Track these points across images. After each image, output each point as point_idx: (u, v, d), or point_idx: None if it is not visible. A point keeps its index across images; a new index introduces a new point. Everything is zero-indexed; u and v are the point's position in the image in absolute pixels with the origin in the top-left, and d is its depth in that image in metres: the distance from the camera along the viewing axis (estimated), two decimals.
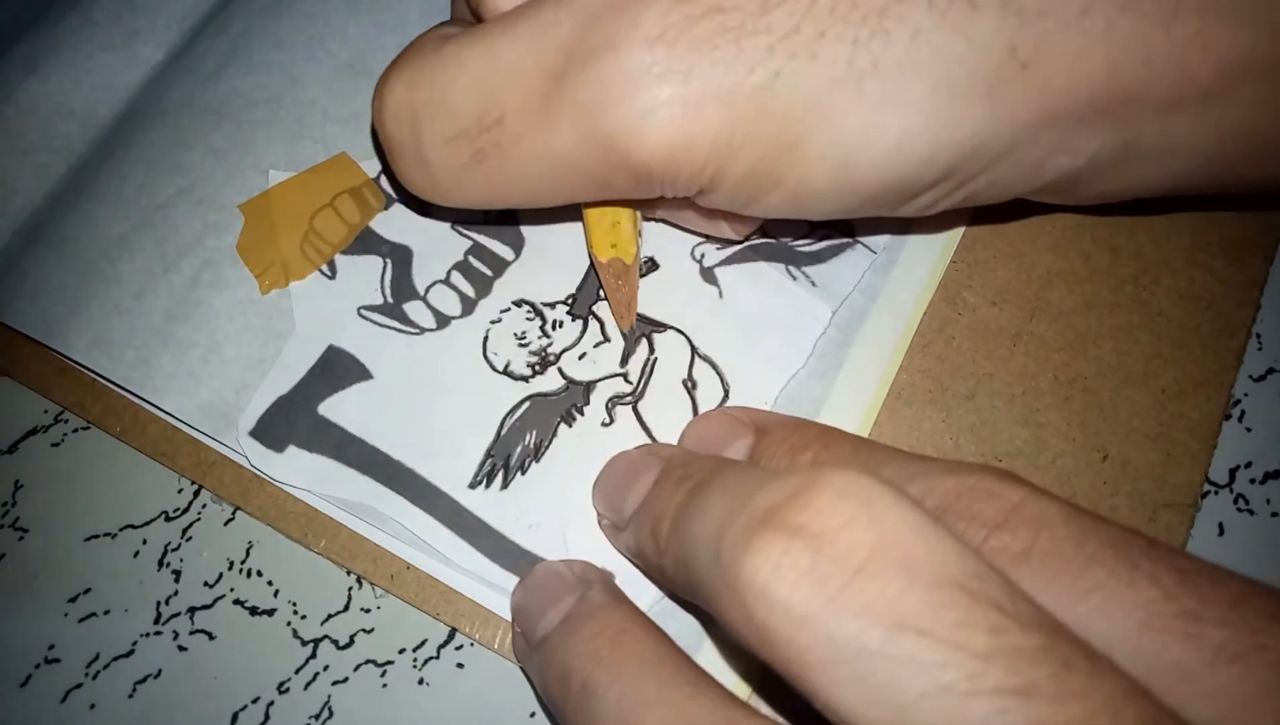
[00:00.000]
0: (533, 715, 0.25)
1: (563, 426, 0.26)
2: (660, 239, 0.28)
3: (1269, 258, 0.28)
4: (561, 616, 0.21)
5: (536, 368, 0.27)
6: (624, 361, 0.27)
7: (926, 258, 0.27)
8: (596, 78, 0.19)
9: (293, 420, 0.26)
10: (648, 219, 0.27)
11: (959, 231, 0.28)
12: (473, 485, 0.26)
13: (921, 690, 0.13)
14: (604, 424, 0.26)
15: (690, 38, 0.18)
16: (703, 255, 0.28)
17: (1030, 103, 0.19)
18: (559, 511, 0.25)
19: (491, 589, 0.25)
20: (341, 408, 0.26)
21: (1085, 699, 0.13)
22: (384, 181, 0.29)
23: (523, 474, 0.26)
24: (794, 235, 0.28)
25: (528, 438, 0.26)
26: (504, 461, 0.26)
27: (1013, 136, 0.19)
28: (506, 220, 0.28)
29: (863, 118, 0.19)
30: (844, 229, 0.28)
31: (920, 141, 0.19)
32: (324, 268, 0.28)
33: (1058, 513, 0.17)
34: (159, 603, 0.27)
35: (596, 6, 0.19)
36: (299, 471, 0.26)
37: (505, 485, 0.26)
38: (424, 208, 0.28)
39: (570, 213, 0.27)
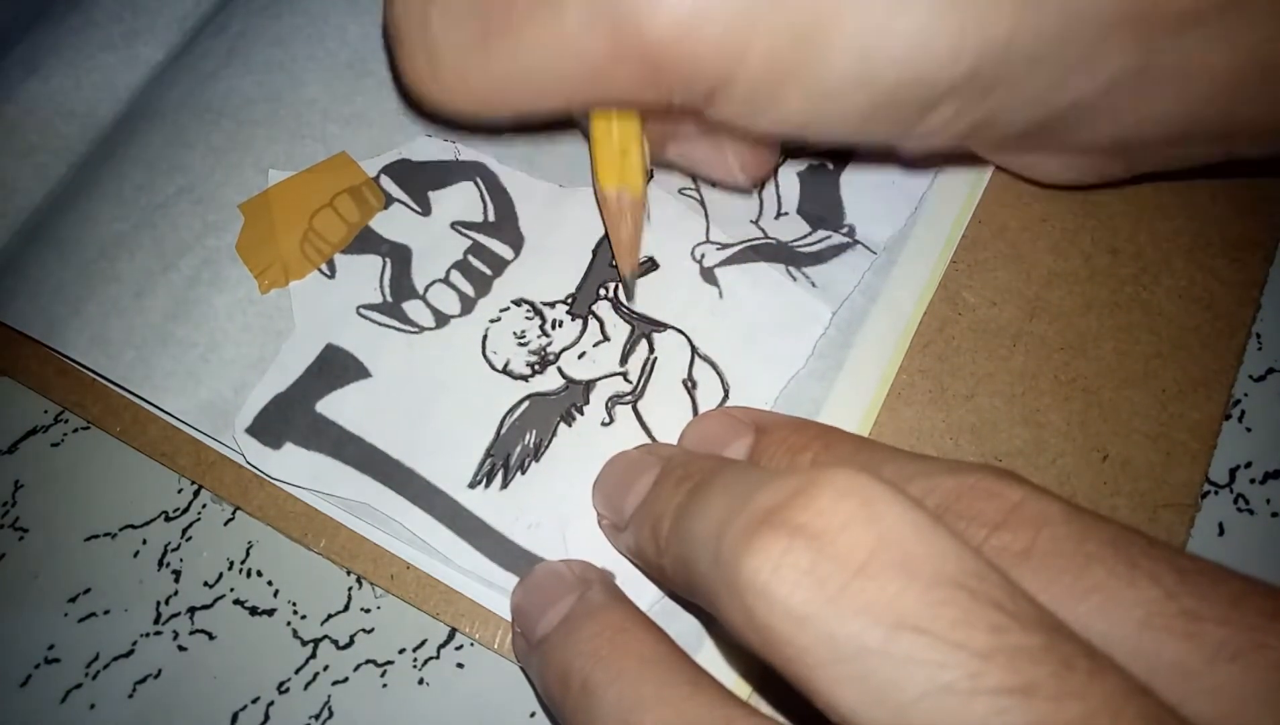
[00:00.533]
0: (533, 715, 0.25)
1: (562, 426, 0.26)
2: (660, 239, 0.28)
3: (1269, 258, 0.28)
4: (561, 616, 0.21)
5: (536, 367, 0.27)
6: (624, 360, 0.27)
7: (927, 258, 0.28)
8: None
9: (290, 418, 0.26)
10: (657, 163, 0.27)
11: (959, 232, 0.28)
12: (472, 485, 0.26)
13: (922, 689, 0.13)
14: (604, 423, 0.26)
15: None
16: (703, 255, 0.28)
17: (1054, 6, 0.19)
18: (559, 511, 0.25)
19: (491, 589, 0.25)
20: (340, 406, 0.26)
21: (1085, 697, 0.13)
22: (384, 180, 0.29)
23: (522, 473, 0.26)
24: (794, 235, 0.28)
25: (527, 437, 0.26)
26: (503, 461, 0.26)
27: (1036, 44, 0.19)
28: (506, 218, 0.28)
29: (884, 5, 0.18)
30: (840, 227, 0.28)
31: (943, 35, 0.19)
32: (323, 267, 0.28)
33: (1058, 512, 0.17)
34: (159, 603, 0.27)
35: None
36: (296, 469, 0.26)
37: (505, 485, 0.26)
38: (425, 207, 0.29)
39: (570, 211, 0.27)
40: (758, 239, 0.28)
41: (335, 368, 0.27)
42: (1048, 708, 0.13)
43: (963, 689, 0.13)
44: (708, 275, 0.27)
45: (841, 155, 0.29)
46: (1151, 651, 0.15)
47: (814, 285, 0.27)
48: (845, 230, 0.28)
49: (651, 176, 0.25)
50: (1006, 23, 0.19)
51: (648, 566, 0.21)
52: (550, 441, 0.26)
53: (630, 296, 0.27)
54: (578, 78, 0.20)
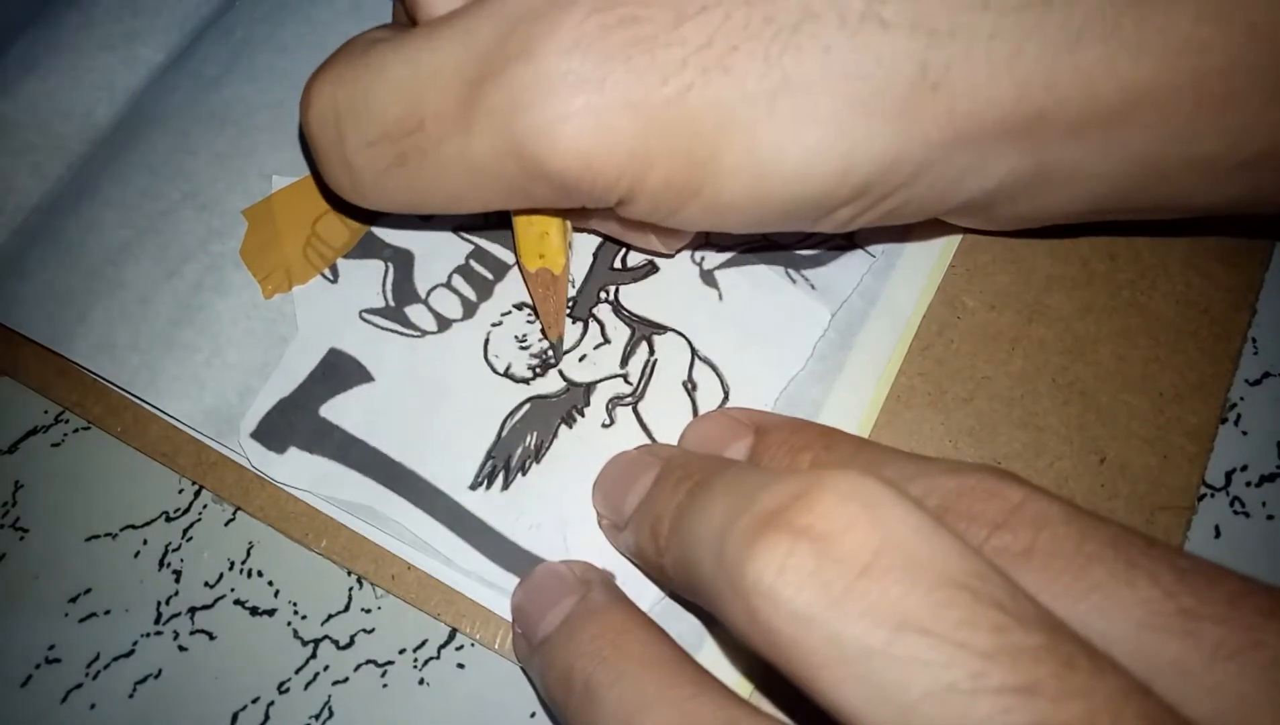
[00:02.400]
0: (533, 715, 0.25)
1: (563, 428, 0.26)
2: None
3: (1264, 263, 0.28)
4: (562, 617, 0.21)
5: (537, 370, 0.27)
6: (624, 363, 0.27)
7: (925, 262, 0.28)
8: (511, 84, 0.19)
9: (294, 422, 0.26)
10: (578, 230, 0.27)
11: (958, 236, 0.28)
12: (473, 486, 0.26)
13: (925, 689, 0.13)
14: (604, 425, 0.26)
15: (604, 47, 0.18)
16: (702, 258, 0.28)
17: (941, 122, 0.19)
18: (559, 512, 0.25)
19: (492, 589, 0.25)
20: (343, 410, 0.27)
21: (1087, 697, 0.13)
22: None
23: (523, 475, 0.26)
24: (792, 240, 0.28)
25: (528, 439, 0.26)
26: (504, 463, 0.26)
27: (925, 155, 0.20)
28: (500, 223, 0.29)
29: (775, 132, 0.19)
30: (842, 236, 0.28)
31: (832, 157, 0.19)
32: (326, 272, 0.28)
33: (1058, 512, 0.17)
34: (159, 603, 0.27)
35: (517, 14, 0.19)
36: (300, 473, 0.26)
37: (506, 486, 0.26)
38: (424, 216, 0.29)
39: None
40: (757, 241, 0.28)
41: (338, 372, 0.27)
42: (1050, 707, 0.13)
43: (966, 689, 0.13)
44: (707, 277, 0.27)
45: None
46: (1151, 650, 0.16)
47: (813, 287, 0.27)
48: (844, 236, 0.28)
49: (572, 246, 0.26)
50: (894, 142, 0.19)
51: (648, 566, 0.21)
52: (551, 443, 0.26)
53: (558, 359, 0.27)
54: (492, 194, 0.21)
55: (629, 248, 0.28)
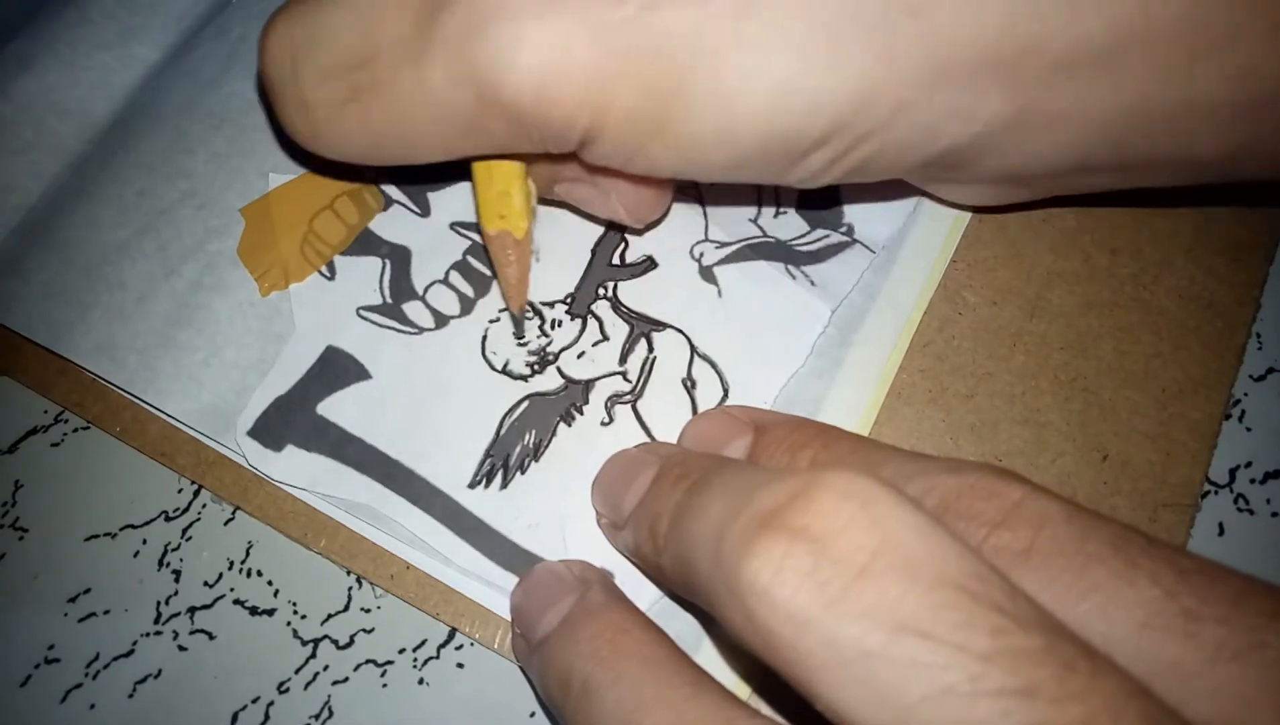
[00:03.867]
0: (533, 715, 0.25)
1: (562, 426, 0.26)
2: (659, 238, 0.28)
3: (1269, 257, 0.28)
4: (561, 617, 0.21)
5: (535, 367, 0.27)
6: (623, 360, 0.27)
7: (926, 257, 0.27)
8: (465, 8, 0.19)
9: (291, 420, 0.26)
10: (544, 201, 0.27)
11: (959, 230, 0.28)
12: (472, 485, 0.26)
13: (924, 692, 0.13)
14: (603, 423, 0.26)
15: None
16: (701, 254, 0.28)
17: (919, 53, 0.19)
18: (558, 511, 0.25)
19: (491, 589, 0.25)
20: (340, 407, 0.26)
21: (1087, 699, 0.13)
22: (383, 182, 0.29)
23: (522, 473, 0.26)
24: (792, 233, 0.28)
25: (527, 437, 0.26)
26: (503, 461, 0.26)
27: (902, 91, 0.19)
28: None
29: (741, 59, 0.18)
30: (839, 226, 0.28)
31: (803, 87, 0.19)
32: (323, 269, 0.28)
33: (1058, 511, 0.17)
34: (159, 603, 0.27)
35: None
36: (297, 471, 0.26)
37: (505, 485, 0.26)
38: (424, 209, 0.29)
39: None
40: (756, 237, 0.28)
41: (336, 369, 0.27)
42: (1049, 709, 0.12)
43: (964, 691, 0.13)
44: (706, 274, 0.27)
45: None
46: (1152, 651, 0.15)
47: (813, 283, 0.27)
48: (844, 229, 0.28)
49: (536, 214, 0.26)
50: (868, 73, 0.19)
51: (646, 565, 0.21)
52: (550, 441, 0.26)
53: (520, 334, 0.27)
54: (448, 132, 0.21)
55: (615, 228, 0.28)
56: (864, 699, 0.13)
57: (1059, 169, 0.22)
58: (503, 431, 0.26)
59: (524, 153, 0.22)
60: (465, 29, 0.19)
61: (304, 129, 0.22)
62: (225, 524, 0.28)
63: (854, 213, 0.28)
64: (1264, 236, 0.28)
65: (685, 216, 0.28)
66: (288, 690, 0.26)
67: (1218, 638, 0.15)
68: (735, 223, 0.28)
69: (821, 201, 0.28)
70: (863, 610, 0.14)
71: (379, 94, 0.20)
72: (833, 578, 0.14)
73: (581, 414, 0.26)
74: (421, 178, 0.29)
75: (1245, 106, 0.20)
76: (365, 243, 0.28)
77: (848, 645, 0.14)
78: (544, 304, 0.27)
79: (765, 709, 0.23)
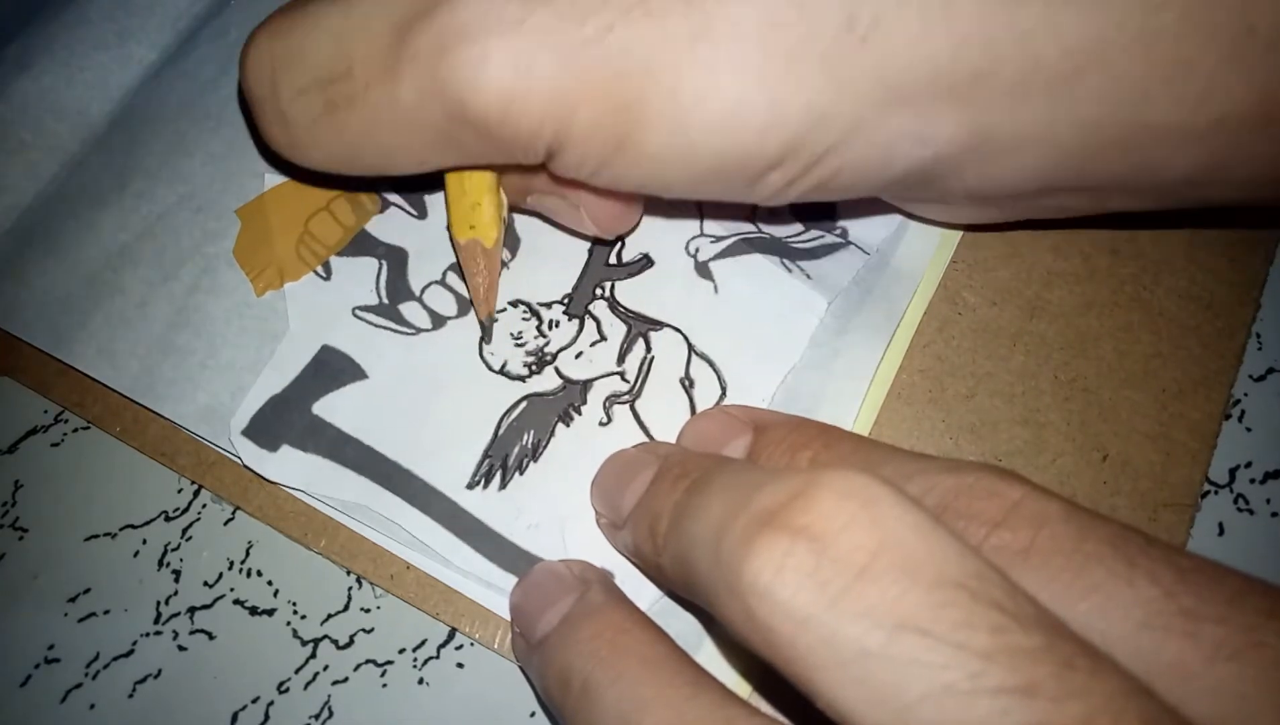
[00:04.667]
0: (533, 715, 0.25)
1: (560, 426, 0.26)
2: (654, 235, 0.28)
3: (1269, 257, 0.27)
4: (560, 617, 0.21)
5: (533, 367, 0.27)
6: (620, 360, 0.27)
7: (922, 257, 0.27)
8: (435, 28, 0.19)
9: (287, 419, 0.26)
10: (517, 210, 0.27)
11: (957, 232, 0.28)
12: (470, 486, 0.26)
13: (924, 690, 0.13)
14: (601, 423, 0.26)
15: None
16: (697, 250, 0.28)
17: (870, 78, 0.19)
18: (558, 511, 0.25)
19: (490, 589, 0.25)
20: (336, 407, 0.26)
21: (1087, 697, 0.13)
22: (379, 184, 0.29)
23: (520, 474, 0.26)
24: (788, 232, 0.28)
25: (525, 438, 0.26)
26: (501, 462, 0.26)
27: (855, 113, 0.19)
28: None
29: (697, 78, 0.19)
30: (833, 229, 0.28)
31: (756, 108, 0.19)
32: (319, 269, 0.28)
33: (1057, 510, 0.17)
34: (159, 603, 0.27)
35: None
36: (293, 471, 0.26)
37: (503, 485, 0.26)
38: (421, 211, 0.29)
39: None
40: (752, 233, 0.28)
41: (331, 369, 0.27)
42: (1049, 708, 0.12)
43: (964, 689, 0.13)
44: (702, 269, 0.27)
45: None
46: (1151, 651, 0.15)
47: (809, 277, 0.27)
48: (838, 231, 0.28)
49: (506, 222, 0.26)
50: (820, 96, 0.19)
51: (646, 565, 0.21)
52: (548, 442, 0.26)
53: (488, 340, 0.27)
54: (421, 145, 0.21)
55: (586, 239, 0.28)
56: (864, 697, 0.14)
57: (1022, 191, 0.22)
58: (501, 432, 0.26)
59: (495, 164, 0.23)
60: (434, 48, 0.19)
61: (283, 140, 0.22)
62: (225, 524, 0.28)
63: (847, 218, 0.28)
64: (1264, 236, 0.28)
65: (680, 213, 0.28)
66: (288, 690, 0.26)
67: (1216, 637, 0.15)
68: (730, 218, 0.28)
69: (815, 207, 0.28)
70: (863, 610, 0.14)
71: (354, 108, 0.21)
72: (833, 577, 0.14)
73: (580, 414, 0.26)
74: (415, 183, 0.29)
75: (1204, 130, 0.20)
76: (361, 244, 0.28)
77: (848, 644, 0.14)
78: (541, 305, 0.27)
79: (766, 707, 0.23)
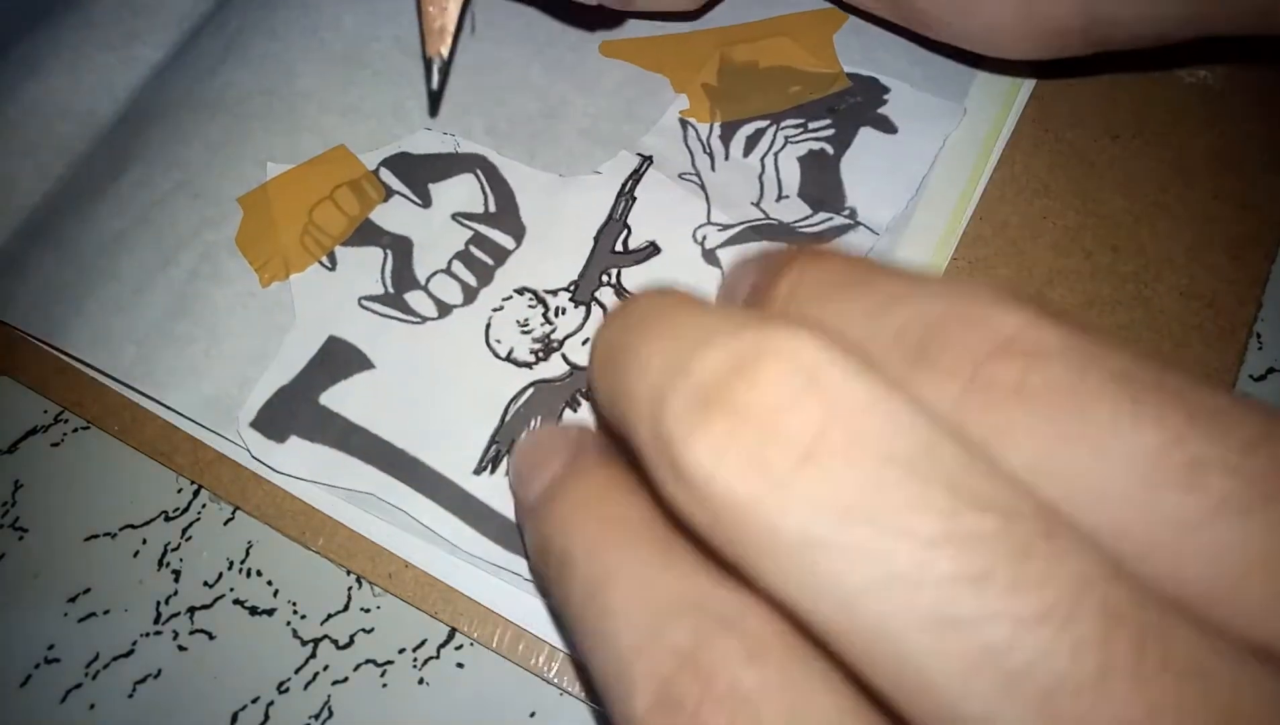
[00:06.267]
0: (533, 715, 0.25)
1: (568, 412, 0.26)
2: (661, 222, 0.28)
3: (1270, 256, 0.28)
4: (548, 482, 0.20)
5: (540, 354, 0.27)
6: None
7: (927, 244, 0.28)
8: None
9: (294, 410, 0.26)
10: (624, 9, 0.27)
11: (963, 215, 0.28)
12: (477, 471, 0.26)
13: (867, 580, 0.12)
14: None
15: None
16: (704, 237, 0.28)
17: None
18: None
19: (498, 573, 0.25)
20: (343, 397, 0.26)
21: (1041, 588, 0.12)
22: (383, 173, 0.29)
23: None
24: (795, 216, 0.28)
25: (533, 423, 0.26)
26: (508, 447, 0.26)
27: None
28: (507, 208, 0.28)
29: None
30: (842, 210, 0.28)
31: None
32: (324, 259, 0.28)
33: (1055, 340, 0.15)
34: (159, 602, 0.27)
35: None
36: (301, 462, 0.26)
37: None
38: (425, 199, 0.29)
39: (570, 200, 0.27)
40: (759, 220, 0.28)
41: (338, 359, 0.27)
42: (1000, 599, 0.12)
43: (910, 579, 0.12)
44: (710, 257, 0.27)
45: (842, 140, 0.29)
46: (1148, 504, 0.14)
47: None
48: (846, 212, 0.28)
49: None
50: None
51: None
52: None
53: (434, 87, 0.26)
54: None
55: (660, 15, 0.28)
56: (807, 588, 0.13)
57: None
58: (508, 418, 0.26)
59: None
60: None
61: None
62: (225, 524, 0.28)
63: (856, 197, 0.28)
64: (1265, 234, 0.28)
65: (687, 201, 0.28)
66: (288, 690, 0.26)
67: (1224, 489, 0.13)
68: (737, 206, 0.28)
69: (824, 186, 0.28)
70: (806, 497, 0.13)
71: None
72: (777, 461, 0.13)
73: (587, 400, 0.26)
74: (422, 171, 0.29)
75: None
76: (366, 233, 0.28)
77: (789, 533, 0.13)
78: (548, 292, 0.27)
79: None
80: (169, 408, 0.27)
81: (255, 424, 0.26)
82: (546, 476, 0.20)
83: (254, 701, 0.26)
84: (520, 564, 0.24)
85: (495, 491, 0.25)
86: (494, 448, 0.26)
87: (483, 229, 0.28)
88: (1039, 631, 0.12)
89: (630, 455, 0.20)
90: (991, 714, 0.12)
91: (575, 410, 0.26)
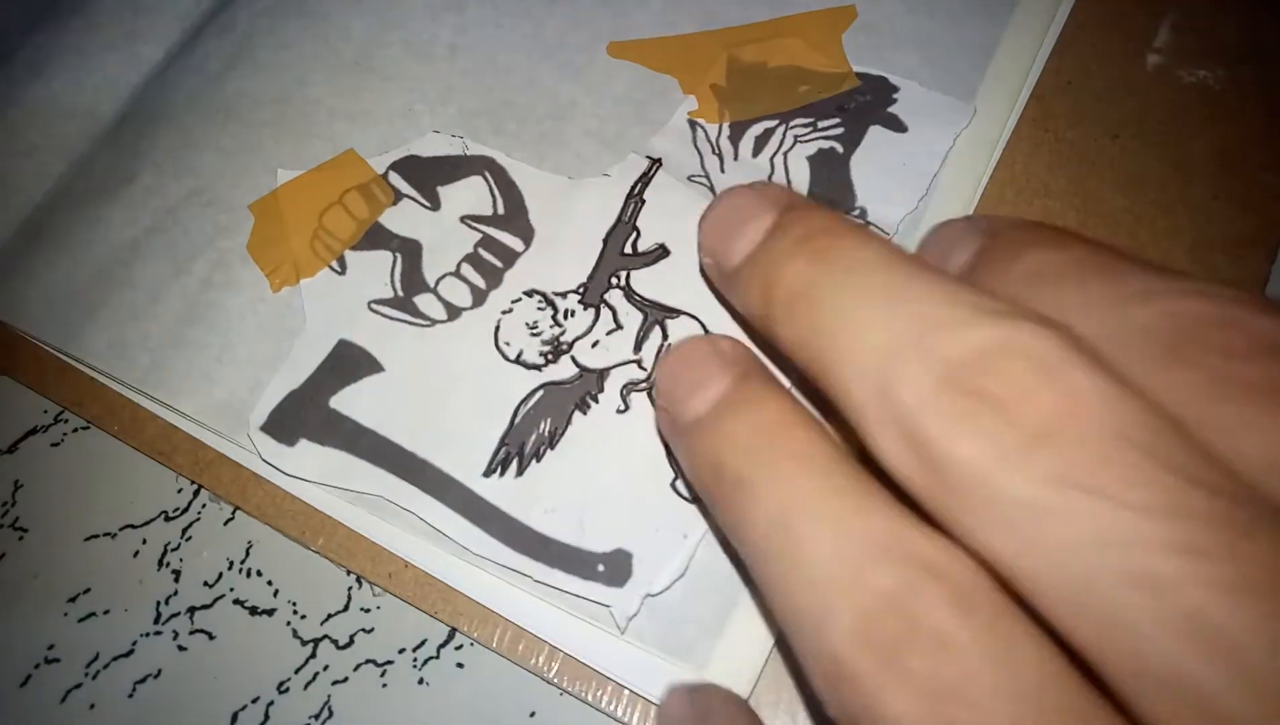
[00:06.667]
0: (533, 715, 0.25)
1: (577, 414, 0.26)
2: (670, 225, 0.28)
3: (1270, 256, 0.28)
4: (714, 400, 0.20)
5: (549, 356, 0.27)
6: (637, 348, 0.27)
7: None
8: None
9: (304, 414, 0.26)
10: None
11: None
12: (487, 473, 0.25)
13: (1084, 540, 0.13)
14: (619, 411, 0.26)
15: None
16: None
17: None
18: (577, 498, 0.25)
19: (505, 574, 0.25)
20: (353, 401, 0.26)
21: (1250, 563, 0.12)
22: (392, 177, 0.29)
23: (538, 461, 0.25)
24: None
25: (542, 426, 0.26)
26: (518, 449, 0.26)
27: None
28: (516, 211, 0.29)
29: None
30: (852, 209, 0.28)
31: None
32: (334, 264, 0.28)
33: None
34: (159, 602, 0.27)
35: None
36: (311, 465, 0.26)
37: (520, 473, 0.25)
38: (434, 202, 0.29)
39: (579, 202, 0.27)
40: None
41: (348, 363, 0.27)
42: (1206, 566, 0.12)
43: (1122, 541, 0.13)
44: None
45: (852, 139, 0.29)
46: None
47: None
48: (857, 212, 0.28)
49: None
50: None
51: (751, 321, 0.20)
52: (565, 429, 0.26)
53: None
54: None
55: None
56: (1026, 545, 0.14)
57: None
58: (517, 420, 0.26)
59: None
60: None
61: None
62: (225, 524, 0.28)
63: (866, 196, 0.28)
64: (1266, 234, 0.28)
65: (696, 203, 0.28)
66: (288, 690, 0.26)
67: None
68: None
69: (834, 186, 0.28)
70: (1038, 473, 0.14)
71: None
72: (1013, 439, 0.14)
73: (597, 402, 0.26)
74: (430, 174, 0.29)
75: None
76: (375, 237, 0.28)
77: (1018, 502, 0.14)
78: (557, 294, 0.27)
79: (777, 693, 0.22)
80: (181, 413, 0.27)
81: (266, 428, 0.26)
82: (710, 395, 0.20)
83: (254, 701, 0.26)
84: (528, 563, 0.24)
85: (504, 493, 0.25)
86: (503, 450, 0.26)
87: (491, 231, 0.28)
88: (1242, 600, 0.12)
89: (805, 387, 0.21)
90: (1186, 672, 0.12)
91: (585, 412, 0.26)
